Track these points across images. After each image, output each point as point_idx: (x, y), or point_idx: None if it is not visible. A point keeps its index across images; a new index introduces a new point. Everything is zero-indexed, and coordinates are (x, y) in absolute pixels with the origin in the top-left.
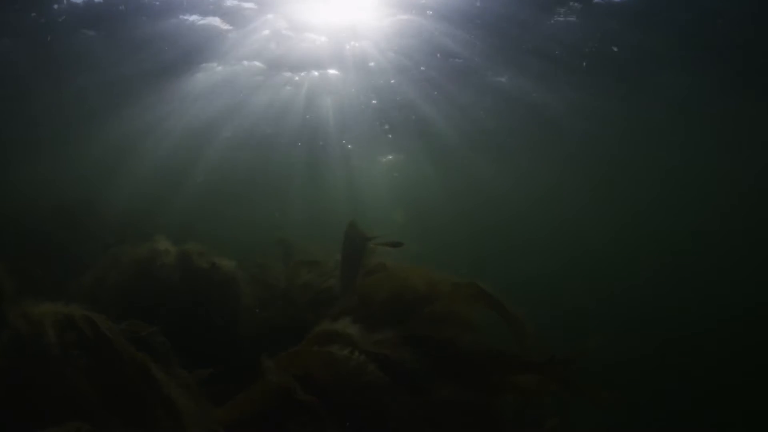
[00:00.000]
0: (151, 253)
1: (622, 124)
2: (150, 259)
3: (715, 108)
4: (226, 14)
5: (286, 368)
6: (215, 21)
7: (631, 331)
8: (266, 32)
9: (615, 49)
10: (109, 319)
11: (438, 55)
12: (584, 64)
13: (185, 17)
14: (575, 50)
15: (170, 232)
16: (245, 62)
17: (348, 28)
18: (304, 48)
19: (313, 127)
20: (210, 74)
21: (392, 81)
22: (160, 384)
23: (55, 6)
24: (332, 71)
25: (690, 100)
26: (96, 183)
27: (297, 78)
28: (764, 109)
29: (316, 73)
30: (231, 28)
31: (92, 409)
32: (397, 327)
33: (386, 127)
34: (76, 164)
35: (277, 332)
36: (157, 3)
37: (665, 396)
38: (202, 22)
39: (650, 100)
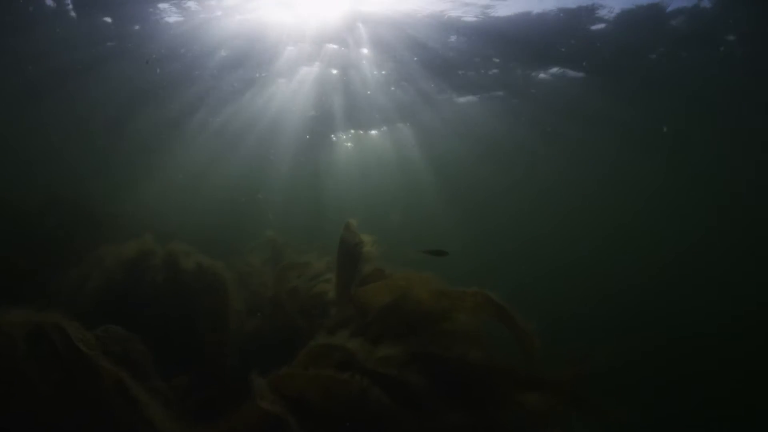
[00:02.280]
0: (137, 253)
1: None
2: (135, 259)
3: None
4: None
5: (280, 390)
6: None
7: (633, 333)
8: None
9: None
10: (89, 322)
11: None
12: (584, 64)
13: None
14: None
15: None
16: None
17: None
18: None
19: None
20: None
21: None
22: (139, 403)
23: None
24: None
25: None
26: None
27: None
28: None
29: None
30: None
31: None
32: (401, 342)
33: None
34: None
35: (266, 339)
36: None
37: (667, 397)
38: None
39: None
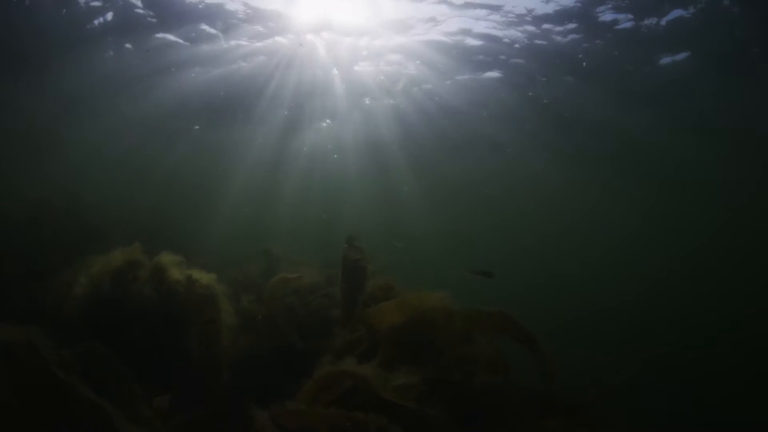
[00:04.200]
0: (123, 263)
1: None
2: (121, 269)
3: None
4: None
5: (284, 426)
6: None
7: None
8: None
9: None
10: (72, 335)
11: None
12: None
13: None
14: None
15: None
16: None
17: None
18: None
19: None
20: None
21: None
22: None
23: None
24: None
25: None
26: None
27: None
28: None
29: None
30: None
31: None
32: (419, 369)
33: None
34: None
35: (261, 357)
36: None
37: (671, 399)
38: None
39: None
